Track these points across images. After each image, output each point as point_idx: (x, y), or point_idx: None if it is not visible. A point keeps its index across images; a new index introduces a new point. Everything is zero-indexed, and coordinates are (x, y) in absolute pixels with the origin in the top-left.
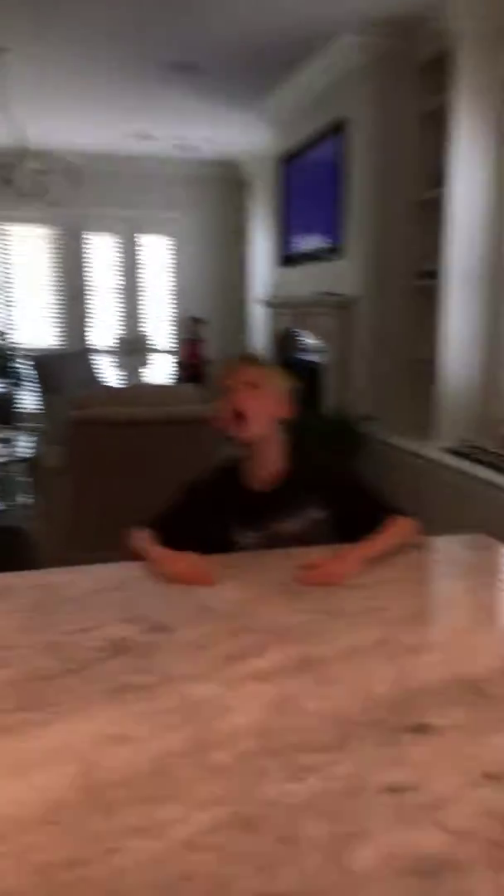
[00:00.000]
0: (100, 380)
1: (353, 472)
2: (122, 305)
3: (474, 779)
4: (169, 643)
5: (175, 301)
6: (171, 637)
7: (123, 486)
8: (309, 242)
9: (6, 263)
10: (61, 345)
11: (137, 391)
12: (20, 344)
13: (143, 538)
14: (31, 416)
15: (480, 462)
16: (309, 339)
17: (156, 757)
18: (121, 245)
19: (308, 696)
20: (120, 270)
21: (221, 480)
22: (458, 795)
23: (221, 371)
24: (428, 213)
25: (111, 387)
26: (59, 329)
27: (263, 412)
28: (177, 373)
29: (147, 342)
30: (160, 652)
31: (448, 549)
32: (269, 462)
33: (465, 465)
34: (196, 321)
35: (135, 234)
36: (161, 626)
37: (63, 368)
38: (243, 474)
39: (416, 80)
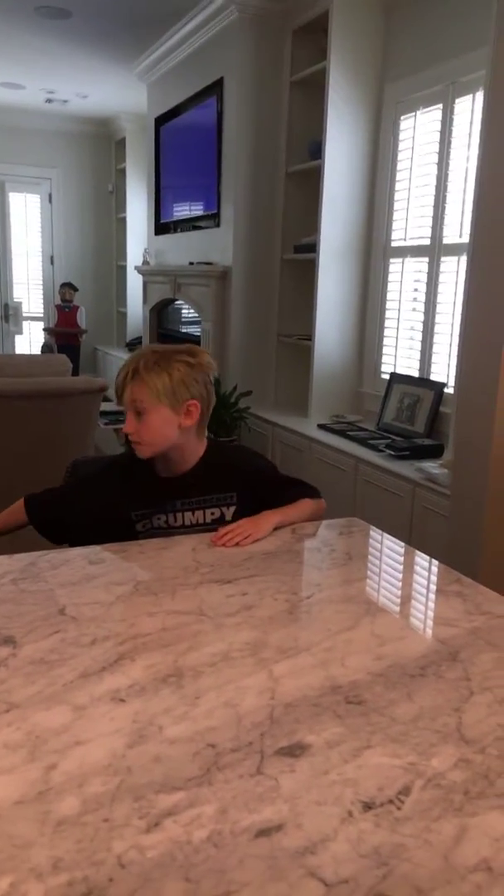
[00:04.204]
0: None
1: (262, 456)
2: None
3: (350, 810)
4: (14, 660)
5: (47, 265)
6: (17, 652)
7: None
8: (186, 209)
9: None
10: None
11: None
12: None
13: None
14: None
15: (349, 437)
16: (190, 310)
17: None
18: None
19: (170, 719)
20: None
21: (131, 466)
22: (334, 833)
23: (116, 380)
24: (306, 184)
25: None
26: None
27: (151, 437)
28: (49, 341)
29: (16, 308)
30: (3, 671)
31: (323, 536)
32: (183, 458)
33: (335, 440)
34: (69, 287)
35: (2, 192)
36: (6, 637)
37: None
38: (156, 463)
39: (293, 44)
